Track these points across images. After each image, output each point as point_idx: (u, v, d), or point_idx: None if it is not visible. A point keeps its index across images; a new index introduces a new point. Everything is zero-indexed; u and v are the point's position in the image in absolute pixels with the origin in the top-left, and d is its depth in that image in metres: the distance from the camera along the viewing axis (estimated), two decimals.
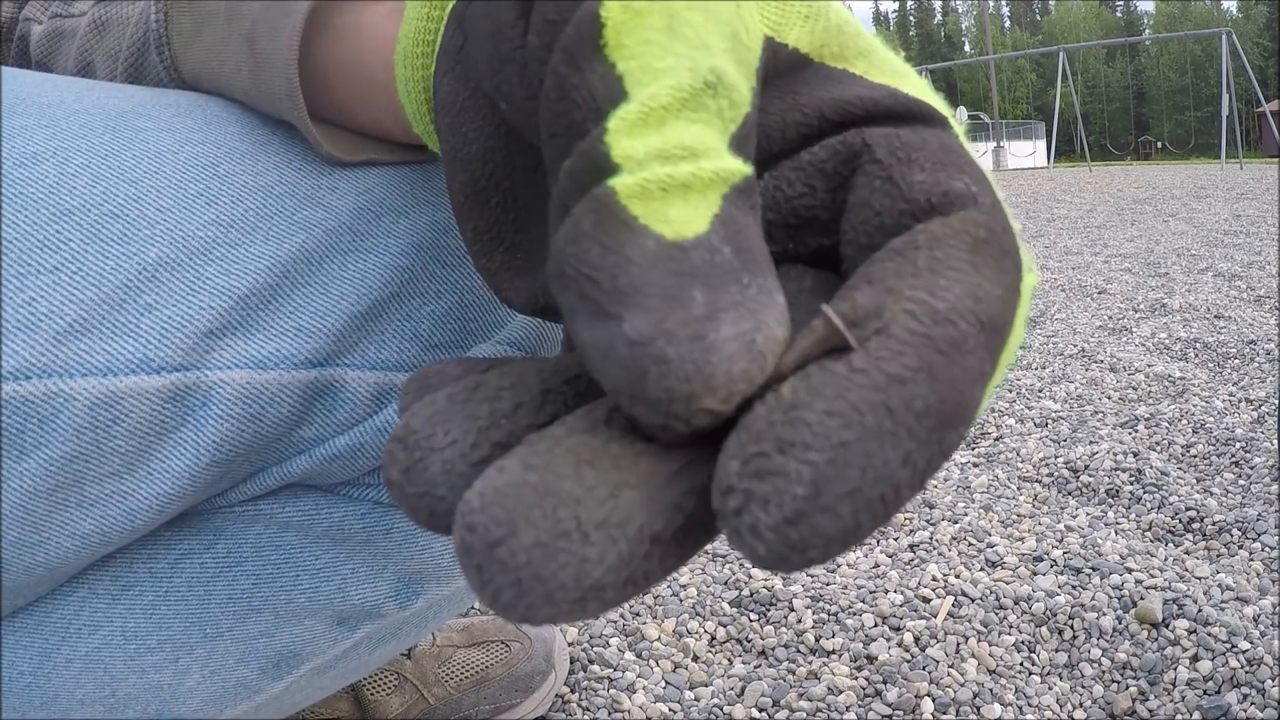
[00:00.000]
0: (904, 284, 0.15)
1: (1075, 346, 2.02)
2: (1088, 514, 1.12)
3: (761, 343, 0.14)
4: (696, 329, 0.14)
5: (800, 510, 0.13)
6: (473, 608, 0.90)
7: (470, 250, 0.25)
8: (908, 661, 0.81)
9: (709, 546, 1.03)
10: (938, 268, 0.16)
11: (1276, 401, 1.50)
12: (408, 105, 0.27)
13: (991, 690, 0.77)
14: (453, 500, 0.16)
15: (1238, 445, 1.32)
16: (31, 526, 0.27)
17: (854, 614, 0.88)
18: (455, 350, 0.33)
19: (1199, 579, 0.93)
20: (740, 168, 0.16)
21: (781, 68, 0.20)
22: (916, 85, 0.20)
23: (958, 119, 0.20)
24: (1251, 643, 0.80)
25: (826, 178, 0.19)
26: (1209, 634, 0.82)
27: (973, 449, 1.39)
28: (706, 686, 0.79)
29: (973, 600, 0.90)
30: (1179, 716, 0.73)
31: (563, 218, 0.16)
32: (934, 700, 0.76)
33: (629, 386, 0.14)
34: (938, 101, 0.20)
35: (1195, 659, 0.79)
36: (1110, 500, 1.17)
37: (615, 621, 0.88)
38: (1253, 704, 0.73)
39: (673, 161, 0.15)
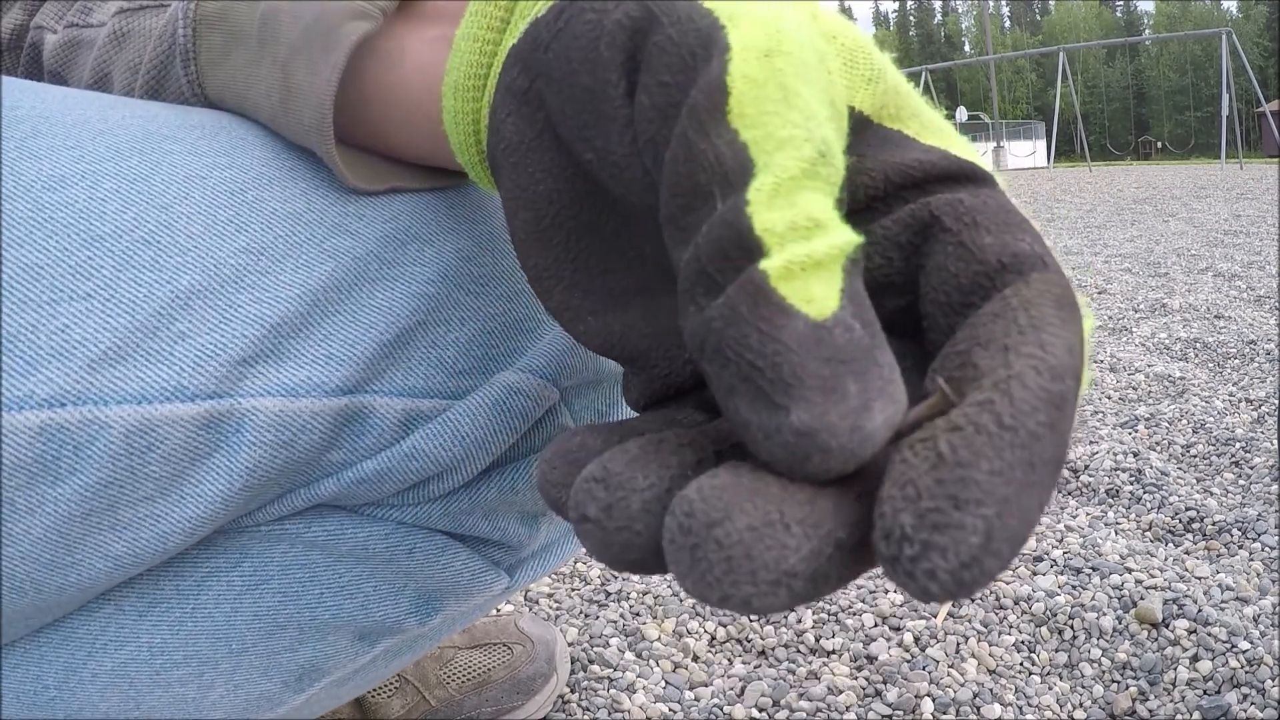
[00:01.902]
0: (1017, 340, 0.18)
1: None
2: (1088, 514, 1.12)
3: (898, 420, 0.17)
4: (855, 421, 0.16)
5: (975, 556, 0.16)
6: None
7: (532, 286, 0.26)
8: (908, 661, 0.81)
9: None
10: (1039, 325, 0.18)
11: (1276, 401, 1.50)
12: (453, 136, 0.28)
13: (991, 690, 0.77)
14: (648, 535, 0.19)
15: (1238, 445, 1.32)
16: (65, 549, 0.27)
17: (854, 614, 0.88)
18: (479, 376, 0.34)
19: (1199, 579, 0.93)
20: (853, 238, 0.18)
21: (850, 129, 0.21)
22: (958, 142, 0.22)
23: (957, 120, 0.22)
24: (1251, 643, 0.80)
25: (901, 249, 0.21)
26: (1209, 634, 0.82)
27: None
28: (706, 686, 0.79)
29: (972, 600, 0.90)
30: (1179, 716, 0.73)
31: (702, 282, 0.18)
32: (934, 700, 0.76)
33: (790, 467, 0.17)
34: (975, 157, 0.22)
35: (1195, 659, 0.79)
36: (1110, 500, 1.17)
37: (615, 622, 0.88)
38: (1253, 704, 0.73)
39: (805, 236, 0.17)
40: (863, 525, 0.18)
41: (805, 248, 0.17)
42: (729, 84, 0.18)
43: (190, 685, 0.32)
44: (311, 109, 0.29)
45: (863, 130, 0.22)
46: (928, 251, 0.21)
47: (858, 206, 0.22)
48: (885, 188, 0.21)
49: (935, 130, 0.23)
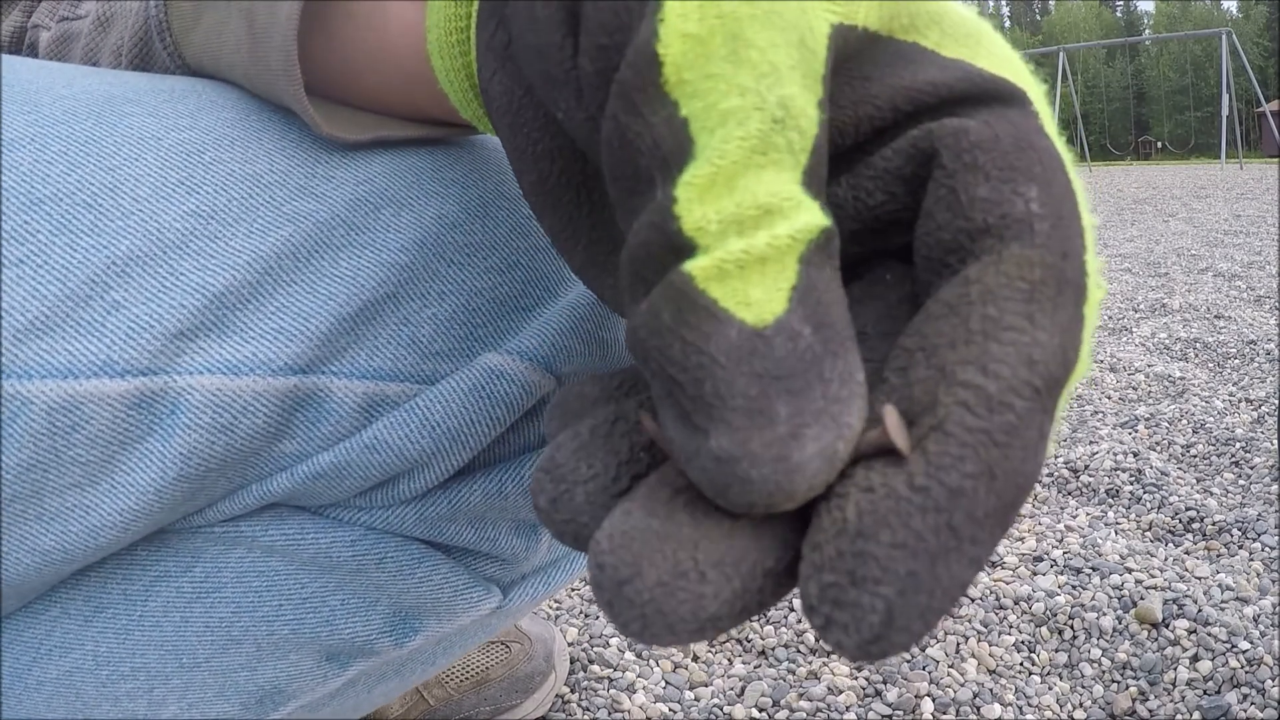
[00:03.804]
0: (957, 357, 0.15)
1: None
2: (1088, 514, 1.12)
3: (841, 449, 0.15)
4: (780, 450, 0.15)
5: (878, 634, 0.14)
6: None
7: (555, 249, 0.24)
8: (908, 661, 0.81)
9: None
10: (990, 330, 0.15)
11: (1276, 401, 1.50)
12: (452, 94, 0.26)
13: (991, 690, 0.77)
14: (594, 527, 0.17)
15: (1238, 445, 1.32)
16: None
17: None
18: (459, 359, 0.30)
19: (1199, 579, 0.93)
20: (816, 222, 0.16)
21: (852, 50, 0.18)
22: (992, 50, 0.19)
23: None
24: (1251, 643, 0.80)
25: (905, 182, 0.18)
26: (1209, 634, 0.82)
27: None
28: (706, 686, 0.79)
29: (973, 600, 0.90)
30: (1179, 716, 0.73)
31: (636, 285, 0.17)
32: (934, 700, 0.76)
33: (712, 492, 0.15)
34: (1016, 64, 0.19)
35: (1195, 659, 0.79)
36: (1110, 500, 1.17)
37: None
38: (1253, 704, 0.73)
39: (748, 230, 0.15)
40: (795, 545, 0.16)
41: (743, 243, 0.15)
42: (660, 52, 0.16)
43: (139, 700, 0.30)
44: (277, 50, 0.27)
45: (870, 47, 0.18)
46: (927, 190, 0.18)
47: (863, 139, 0.19)
48: (894, 116, 0.18)
49: (960, 38, 0.19)
